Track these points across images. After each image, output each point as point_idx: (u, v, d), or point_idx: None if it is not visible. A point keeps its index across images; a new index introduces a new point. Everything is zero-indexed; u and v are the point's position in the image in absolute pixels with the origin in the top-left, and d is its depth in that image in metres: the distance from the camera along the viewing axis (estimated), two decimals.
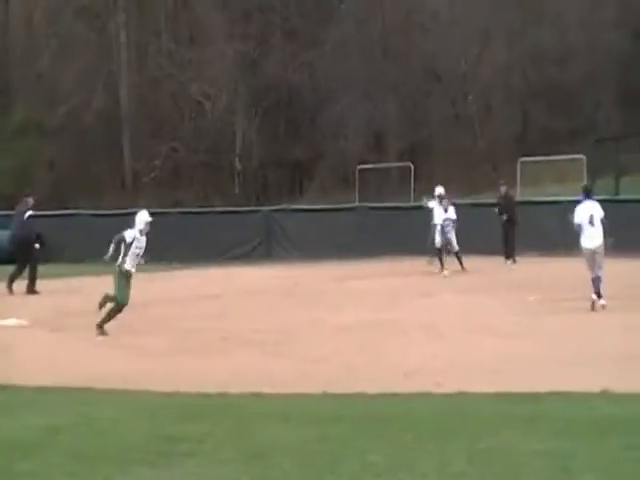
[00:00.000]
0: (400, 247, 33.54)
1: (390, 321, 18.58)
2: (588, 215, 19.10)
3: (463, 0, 57.51)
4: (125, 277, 17.48)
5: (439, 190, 29.16)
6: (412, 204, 38.44)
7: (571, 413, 10.50)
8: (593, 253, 19.09)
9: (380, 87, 56.83)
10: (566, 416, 10.31)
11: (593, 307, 18.68)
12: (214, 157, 56.57)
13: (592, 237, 19.10)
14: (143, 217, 17.37)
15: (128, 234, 17.51)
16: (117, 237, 17.51)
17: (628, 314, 18.40)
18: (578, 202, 19.71)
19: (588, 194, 19.67)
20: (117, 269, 17.50)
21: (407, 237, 33.00)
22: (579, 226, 18.93)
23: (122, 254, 17.50)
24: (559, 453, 8.54)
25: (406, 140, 56.30)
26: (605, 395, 11.48)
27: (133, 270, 17.62)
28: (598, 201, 19.62)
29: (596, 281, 18.98)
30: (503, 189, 31.76)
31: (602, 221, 19.14)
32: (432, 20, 57.04)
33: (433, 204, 28.77)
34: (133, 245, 17.45)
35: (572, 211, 19.25)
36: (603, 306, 18.83)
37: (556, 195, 36.55)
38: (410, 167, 47.84)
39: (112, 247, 17.42)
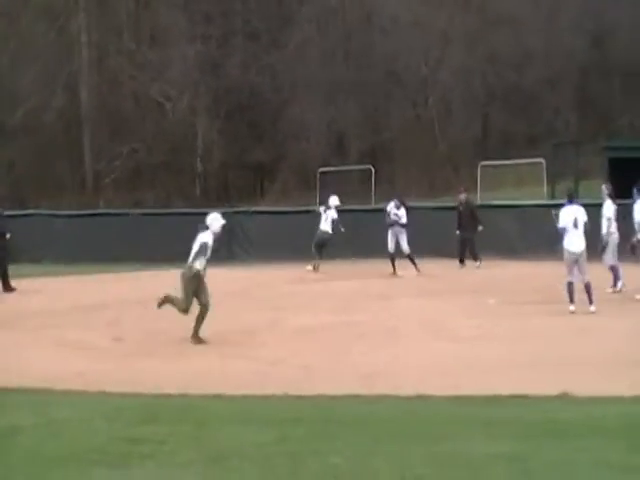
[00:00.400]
0: (361, 249, 33.57)
1: (350, 323, 18.58)
2: (572, 219, 19.19)
3: (423, 3, 57.71)
4: (199, 280, 17.24)
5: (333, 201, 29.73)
6: (373, 207, 38.51)
7: (530, 416, 10.53)
8: (577, 257, 19.17)
9: (341, 89, 56.95)
10: (525, 419, 10.35)
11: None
12: (175, 158, 56.43)
13: (577, 241, 19.21)
14: (219, 221, 17.17)
15: (208, 238, 17.19)
16: (202, 244, 17.12)
17: (586, 317, 18.51)
18: (561, 205, 19.79)
19: (571, 199, 19.76)
20: (191, 272, 17.22)
21: (368, 240, 33.02)
22: (564, 229, 18.97)
23: (195, 257, 17.23)
24: (518, 456, 8.56)
25: (367, 142, 56.46)
26: (564, 398, 11.53)
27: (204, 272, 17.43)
28: (562, 205, 19.69)
29: (588, 287, 19.08)
30: (463, 196, 31.81)
31: (585, 225, 19.23)
32: (392, 23, 57.20)
33: (390, 207, 28.82)
34: (210, 248, 17.24)
35: (557, 213, 19.27)
36: (593, 312, 18.86)
37: (516, 199, 36.71)
38: (371, 170, 47.92)
39: (199, 254, 17.18)
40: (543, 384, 12.28)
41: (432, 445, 9.06)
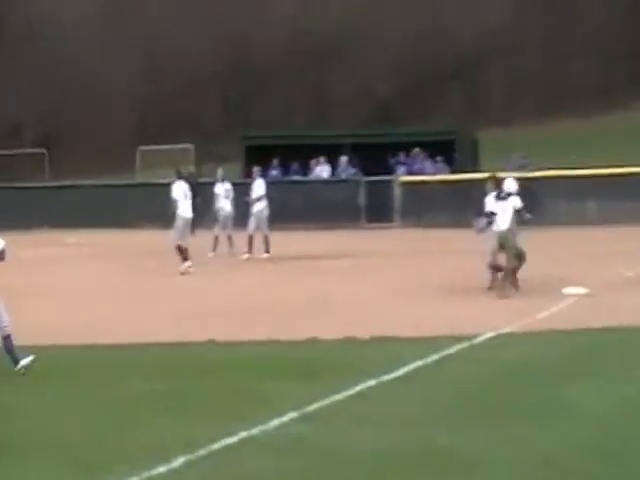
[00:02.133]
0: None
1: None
2: (183, 192, 19.85)
3: None
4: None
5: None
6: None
7: (182, 360, 10.86)
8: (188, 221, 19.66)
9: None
10: (177, 362, 10.69)
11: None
12: None
13: (188, 209, 19.65)
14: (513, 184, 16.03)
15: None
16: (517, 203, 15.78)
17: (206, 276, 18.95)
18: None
19: (180, 175, 20.50)
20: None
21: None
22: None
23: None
24: (172, 391, 9.08)
25: (43, 126, 54.68)
26: (209, 344, 11.83)
27: None
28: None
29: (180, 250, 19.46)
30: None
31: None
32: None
33: None
34: None
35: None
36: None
37: (169, 178, 36.57)
38: (45, 153, 46.38)
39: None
40: (195, 333, 12.47)
41: (98, 386, 9.32)
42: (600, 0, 48.68)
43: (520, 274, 15.39)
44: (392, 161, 30.17)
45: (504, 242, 15.30)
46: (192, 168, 34.29)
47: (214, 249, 22.38)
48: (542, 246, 19.12)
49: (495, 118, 43.33)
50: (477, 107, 44.84)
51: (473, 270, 16.25)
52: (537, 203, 23.27)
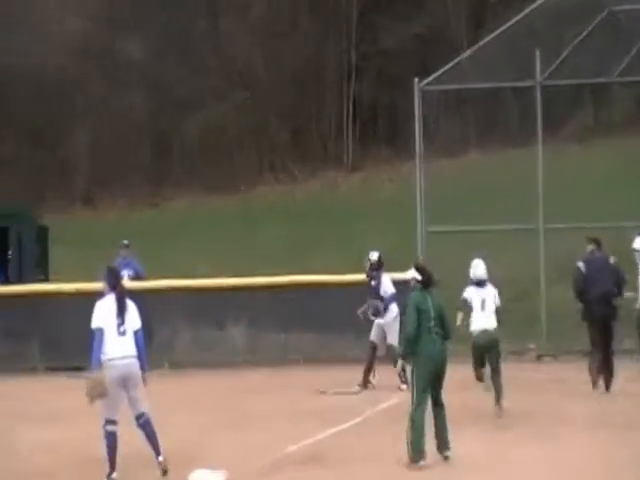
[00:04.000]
0: None
1: None
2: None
3: None
4: None
5: None
6: None
7: None
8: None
9: None
10: None
11: None
12: None
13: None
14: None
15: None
16: None
17: None
18: None
19: None
20: None
21: None
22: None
23: None
24: None
25: None
26: None
27: None
28: None
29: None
30: None
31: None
32: None
33: None
34: None
35: None
36: None
37: None
38: None
39: None
40: None
41: None
42: None
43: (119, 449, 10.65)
44: None
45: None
46: None
47: None
48: (152, 403, 12.20)
49: (75, 194, 32.17)
50: (46, 174, 32.28)
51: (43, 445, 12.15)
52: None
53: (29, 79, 31.67)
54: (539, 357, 19.46)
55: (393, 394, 15.65)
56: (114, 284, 10.32)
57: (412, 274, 11.58)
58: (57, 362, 17.78)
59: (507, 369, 14.07)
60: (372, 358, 16.53)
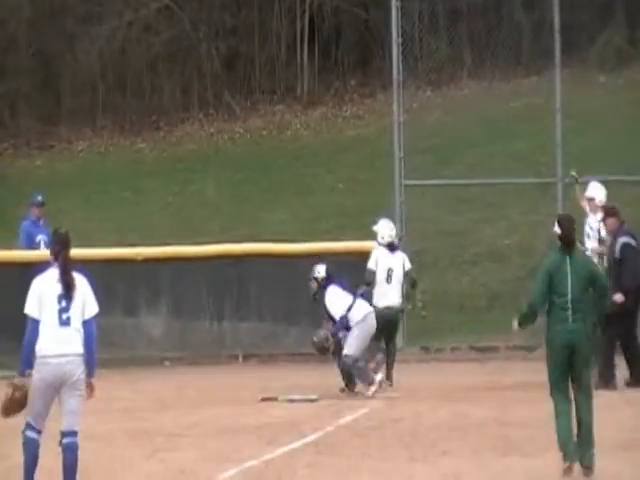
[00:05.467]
0: None
1: None
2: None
3: None
4: None
5: None
6: None
7: None
8: None
9: None
10: None
11: None
12: None
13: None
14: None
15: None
16: None
17: None
18: None
19: None
20: None
21: None
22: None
23: None
24: None
25: None
26: None
27: None
28: None
29: None
30: None
31: None
32: None
33: None
34: None
35: None
36: None
37: None
38: None
39: None
40: None
41: None
42: None
43: None
44: None
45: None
46: None
47: None
48: None
49: None
50: None
51: None
52: None
53: None
54: None
55: (366, 401, 14.46)
56: (57, 253, 9.17)
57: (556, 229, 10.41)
58: None
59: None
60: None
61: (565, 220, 9.87)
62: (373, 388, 14.85)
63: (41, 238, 17.23)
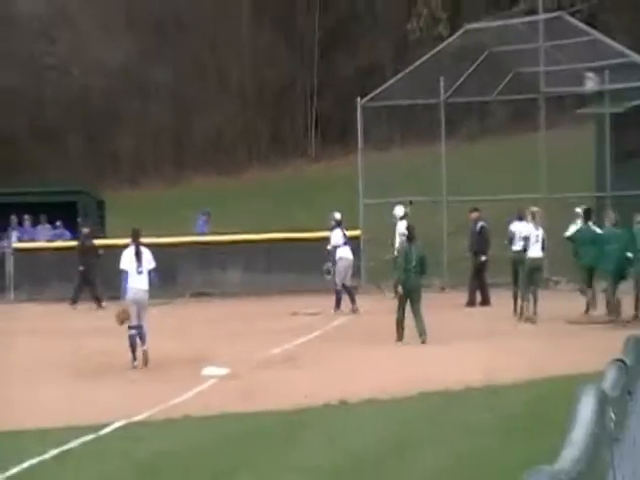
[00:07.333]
0: None
1: None
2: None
3: None
4: None
5: None
6: None
7: None
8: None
9: None
10: None
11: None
12: None
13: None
14: None
15: None
16: None
17: None
18: None
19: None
20: None
21: None
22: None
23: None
24: None
25: None
26: None
27: None
28: None
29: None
30: None
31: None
32: None
33: None
34: None
35: None
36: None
37: None
38: None
39: None
40: None
41: None
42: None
43: (152, 353, 14.15)
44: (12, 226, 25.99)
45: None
46: None
47: None
48: (176, 321, 18.09)
49: (123, 177, 40.04)
50: (102, 162, 40.21)
51: (99, 349, 14.96)
52: (170, 272, 22.01)
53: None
54: (442, 289, 22.89)
55: (341, 316, 18.85)
56: (133, 239, 13.64)
57: (402, 231, 15.84)
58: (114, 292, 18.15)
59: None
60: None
61: (411, 227, 15.46)
62: (338, 310, 18.89)
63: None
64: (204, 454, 9.10)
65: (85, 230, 23.75)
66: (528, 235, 17.84)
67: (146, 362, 13.73)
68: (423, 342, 14.84)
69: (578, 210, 18.87)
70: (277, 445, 9.41)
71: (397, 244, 19.77)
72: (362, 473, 8.35)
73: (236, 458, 8.96)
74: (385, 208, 22.52)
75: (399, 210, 20.94)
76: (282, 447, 9.32)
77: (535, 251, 17.81)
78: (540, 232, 17.89)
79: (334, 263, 18.93)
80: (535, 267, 17.86)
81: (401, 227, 19.50)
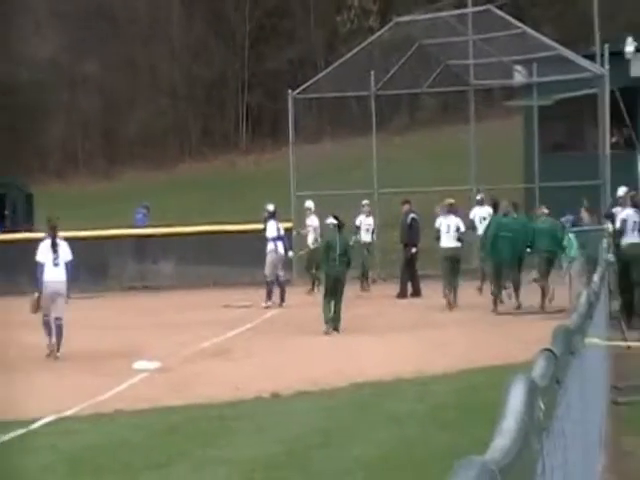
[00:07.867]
0: None
1: None
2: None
3: None
4: None
5: None
6: None
7: None
8: None
9: None
10: None
11: None
12: None
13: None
14: None
15: None
16: None
17: None
18: None
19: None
20: None
21: None
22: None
23: None
24: None
25: None
26: None
27: None
28: None
29: None
30: None
31: None
32: None
33: None
34: None
35: None
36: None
37: None
38: None
39: None
40: None
41: None
42: None
43: (83, 346, 14.15)
44: None
45: None
46: None
47: None
48: (107, 314, 17.96)
49: (52, 170, 39.38)
50: (30, 156, 39.61)
51: (29, 344, 14.60)
52: (102, 265, 22.13)
53: None
54: (374, 280, 22.92)
55: (273, 309, 18.97)
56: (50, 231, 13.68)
57: (330, 220, 15.09)
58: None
59: (351, 290, 17.22)
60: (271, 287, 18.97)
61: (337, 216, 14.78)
62: (269, 303, 18.61)
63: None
64: (136, 448, 8.99)
65: None
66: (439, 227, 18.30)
67: (58, 349, 13.79)
68: (335, 329, 15.04)
69: (478, 198, 19.92)
70: (210, 437, 9.33)
71: (310, 239, 20.34)
72: (293, 464, 8.36)
73: (169, 451, 8.86)
74: (317, 200, 22.59)
75: (309, 203, 21.22)
76: (214, 439, 9.25)
77: (449, 241, 18.09)
78: (456, 222, 18.21)
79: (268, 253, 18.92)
80: (450, 256, 18.13)
81: (314, 221, 20.21)
